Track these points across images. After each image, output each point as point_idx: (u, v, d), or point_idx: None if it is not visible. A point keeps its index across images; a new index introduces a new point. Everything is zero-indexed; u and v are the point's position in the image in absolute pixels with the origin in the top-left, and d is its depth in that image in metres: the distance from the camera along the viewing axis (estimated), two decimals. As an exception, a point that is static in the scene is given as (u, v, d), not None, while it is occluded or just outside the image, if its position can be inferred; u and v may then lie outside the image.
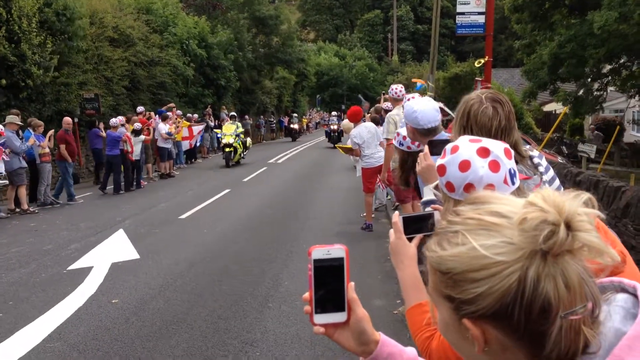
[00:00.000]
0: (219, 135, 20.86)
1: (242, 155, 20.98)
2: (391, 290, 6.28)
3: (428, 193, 2.43)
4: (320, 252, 1.34)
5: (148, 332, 5.28)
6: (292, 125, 37.59)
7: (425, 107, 3.28)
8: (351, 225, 9.97)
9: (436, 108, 3.34)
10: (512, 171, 1.47)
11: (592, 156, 16.86)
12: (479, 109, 2.16)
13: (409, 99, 6.51)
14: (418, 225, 1.71)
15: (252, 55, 33.53)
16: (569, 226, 0.80)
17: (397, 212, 1.78)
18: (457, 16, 11.36)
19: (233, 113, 23.75)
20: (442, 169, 1.51)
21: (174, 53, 23.44)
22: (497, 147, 1.48)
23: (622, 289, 0.90)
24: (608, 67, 18.11)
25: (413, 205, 7.42)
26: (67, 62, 16.68)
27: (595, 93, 18.43)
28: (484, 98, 2.19)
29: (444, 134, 3.37)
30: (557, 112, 26.46)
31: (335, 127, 28.75)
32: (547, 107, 32.35)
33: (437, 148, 2.93)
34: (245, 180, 16.54)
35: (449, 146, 1.53)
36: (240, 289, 6.53)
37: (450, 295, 0.87)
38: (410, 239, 1.68)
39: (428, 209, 2.26)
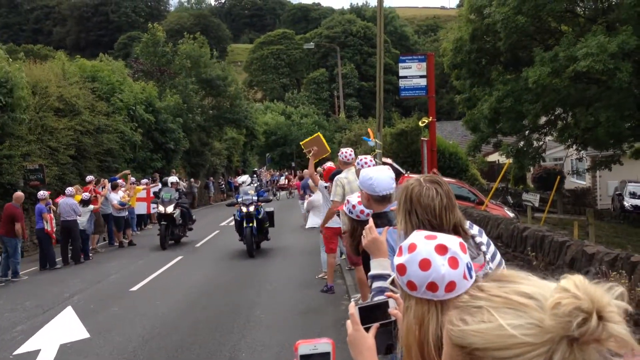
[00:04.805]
0: None
1: None
2: (349, 358, 6.22)
3: (375, 266, 2.45)
4: (306, 347, 1.35)
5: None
6: (160, 208, 16.03)
7: (380, 175, 3.35)
8: (308, 288, 9.91)
9: (392, 176, 3.42)
10: (469, 265, 1.50)
11: (536, 205, 17.46)
12: (421, 191, 2.25)
13: (363, 157, 6.66)
14: (374, 315, 1.73)
15: (201, 118, 33.63)
16: (600, 316, 0.82)
17: (352, 303, 1.81)
18: (400, 80, 11.84)
19: None
20: (401, 269, 1.50)
21: (120, 119, 23.29)
22: (453, 242, 1.51)
23: None
24: (544, 118, 18.99)
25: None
26: (10, 134, 16.33)
27: (534, 144, 19.21)
28: (422, 180, 2.29)
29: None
30: (501, 162, 27.39)
31: (253, 207, 13.39)
32: (491, 158, 33.46)
33: (381, 221, 2.99)
34: (198, 245, 16.29)
35: (405, 244, 1.54)
36: (197, 364, 6.36)
37: None
38: (367, 329, 1.70)
39: (382, 296, 2.30)
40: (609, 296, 0.85)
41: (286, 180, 40.77)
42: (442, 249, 1.48)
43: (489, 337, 0.86)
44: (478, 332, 0.87)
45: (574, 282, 0.86)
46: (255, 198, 13.70)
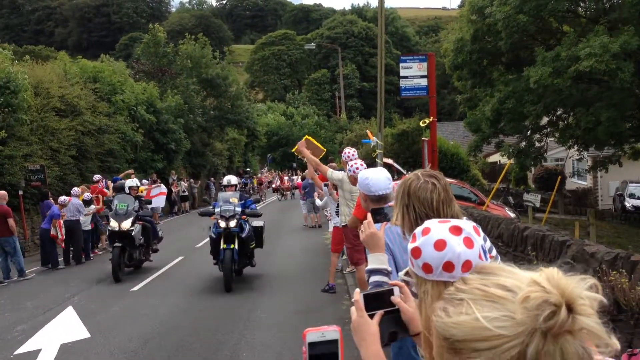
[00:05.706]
0: None
1: None
2: (351, 356, 6.22)
3: (372, 261, 2.46)
4: (314, 335, 1.36)
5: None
6: (113, 224, 11.77)
7: (377, 175, 3.39)
8: (310, 288, 9.90)
9: (388, 177, 3.44)
10: (484, 247, 1.50)
11: (537, 205, 17.44)
12: (418, 185, 2.26)
13: (354, 163, 6.64)
14: (378, 302, 1.74)
15: (202, 118, 33.64)
16: (570, 309, 0.83)
17: (357, 290, 1.81)
18: (400, 80, 11.85)
19: None
20: (416, 252, 1.49)
21: (121, 120, 23.31)
22: (467, 224, 1.51)
23: None
24: (546, 119, 18.97)
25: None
26: (12, 135, 16.34)
27: (536, 145, 19.20)
28: (420, 175, 2.31)
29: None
30: (502, 162, 27.37)
31: (234, 222, 9.87)
32: (492, 158, 33.45)
33: (379, 216, 2.99)
34: (199, 245, 16.27)
35: (418, 230, 1.53)
36: (197, 364, 6.36)
37: None
38: (371, 316, 1.71)
39: (381, 285, 2.30)
40: (581, 288, 0.86)
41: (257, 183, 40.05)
42: (456, 230, 1.48)
43: (467, 329, 0.88)
44: (457, 325, 0.90)
45: (546, 275, 0.88)
46: (238, 209, 10.02)
